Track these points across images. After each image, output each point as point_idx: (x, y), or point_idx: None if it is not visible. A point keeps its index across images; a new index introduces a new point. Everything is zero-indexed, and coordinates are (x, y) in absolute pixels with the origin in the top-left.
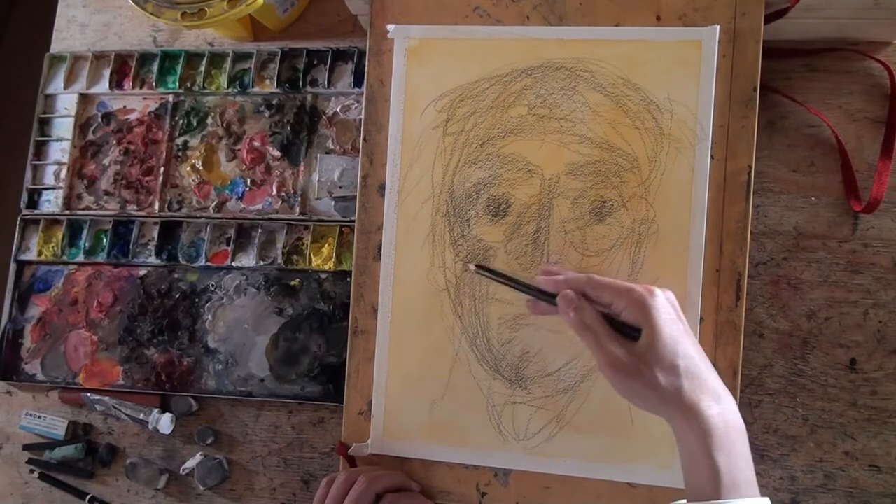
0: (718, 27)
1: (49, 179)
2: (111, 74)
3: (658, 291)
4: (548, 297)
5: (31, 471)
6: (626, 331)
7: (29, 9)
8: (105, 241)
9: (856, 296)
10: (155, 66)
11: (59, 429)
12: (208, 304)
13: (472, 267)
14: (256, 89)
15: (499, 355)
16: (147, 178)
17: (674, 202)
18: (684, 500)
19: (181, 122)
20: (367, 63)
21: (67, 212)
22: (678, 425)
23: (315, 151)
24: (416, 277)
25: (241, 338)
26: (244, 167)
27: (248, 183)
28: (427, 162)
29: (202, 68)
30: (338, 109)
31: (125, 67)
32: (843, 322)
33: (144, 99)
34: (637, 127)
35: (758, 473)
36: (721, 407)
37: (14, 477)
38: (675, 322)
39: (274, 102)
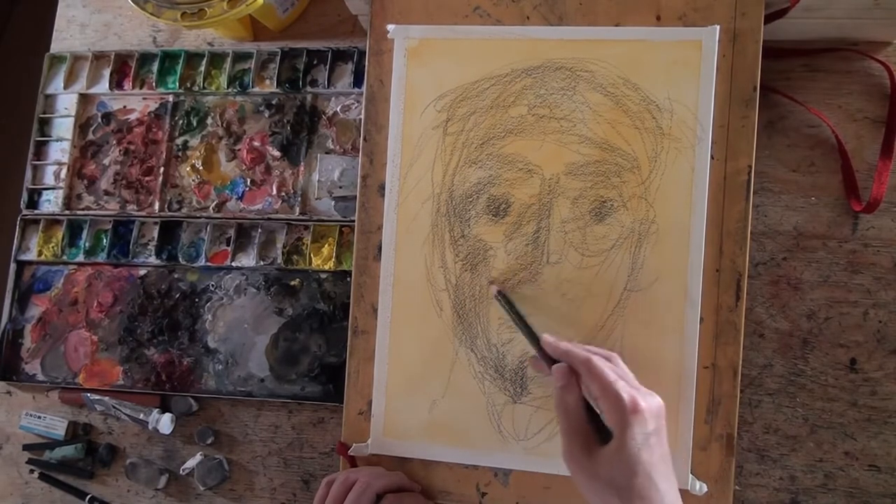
0: (718, 27)
1: (49, 179)
2: (111, 74)
3: (644, 408)
4: (546, 357)
5: (31, 471)
6: (601, 427)
7: (29, 9)
8: (105, 241)
9: (856, 296)
10: (155, 66)
11: (59, 429)
12: (208, 304)
13: (493, 290)
14: (256, 89)
15: (499, 355)
16: (147, 178)
17: (674, 202)
18: None
19: (181, 122)
20: (367, 63)
21: (67, 212)
22: None
23: (315, 151)
24: (416, 277)
25: (241, 338)
26: (244, 167)
27: (248, 183)
28: (427, 162)
29: (202, 68)
30: (338, 109)
31: (125, 67)
32: (843, 322)
33: (144, 99)
34: (637, 127)
35: (758, 473)
36: None
37: (14, 477)
38: (646, 447)
39: (274, 102)
